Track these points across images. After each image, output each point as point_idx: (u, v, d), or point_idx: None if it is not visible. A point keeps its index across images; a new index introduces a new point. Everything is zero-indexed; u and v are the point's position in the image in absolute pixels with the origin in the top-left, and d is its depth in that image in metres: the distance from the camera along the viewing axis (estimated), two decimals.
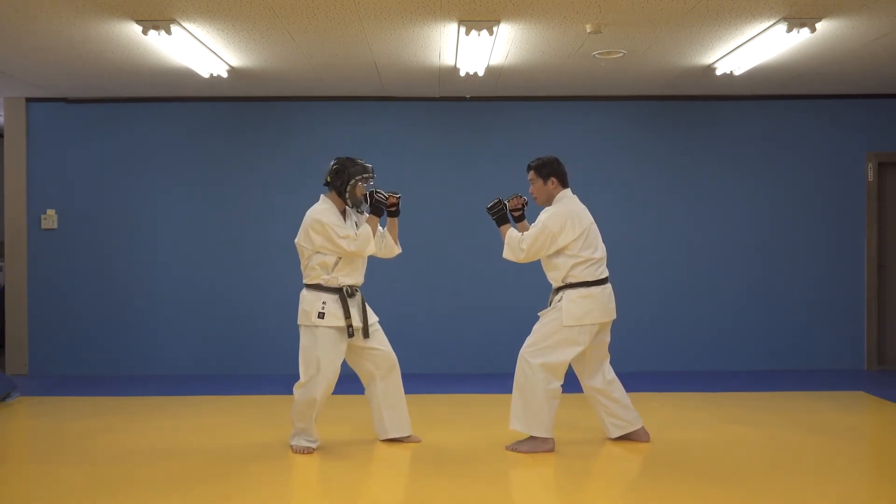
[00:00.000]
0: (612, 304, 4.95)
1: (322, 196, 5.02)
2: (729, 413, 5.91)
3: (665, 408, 6.06)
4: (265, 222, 7.89)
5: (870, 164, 7.91)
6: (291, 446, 4.96)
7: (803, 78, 7.11)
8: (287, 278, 7.87)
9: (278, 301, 7.87)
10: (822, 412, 5.99)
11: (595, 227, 4.96)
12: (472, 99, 7.90)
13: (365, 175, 4.94)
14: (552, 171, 5.00)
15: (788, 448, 5.00)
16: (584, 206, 4.99)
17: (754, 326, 7.91)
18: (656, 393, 6.60)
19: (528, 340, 4.91)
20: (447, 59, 6.43)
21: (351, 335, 4.86)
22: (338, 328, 4.86)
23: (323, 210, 4.91)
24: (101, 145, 7.88)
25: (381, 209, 4.97)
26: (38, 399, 6.65)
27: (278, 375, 7.66)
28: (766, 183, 7.94)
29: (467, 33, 5.47)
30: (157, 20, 5.28)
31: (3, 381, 6.43)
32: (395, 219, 5.10)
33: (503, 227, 5.03)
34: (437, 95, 7.84)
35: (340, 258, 4.86)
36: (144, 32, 5.38)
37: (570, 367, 4.97)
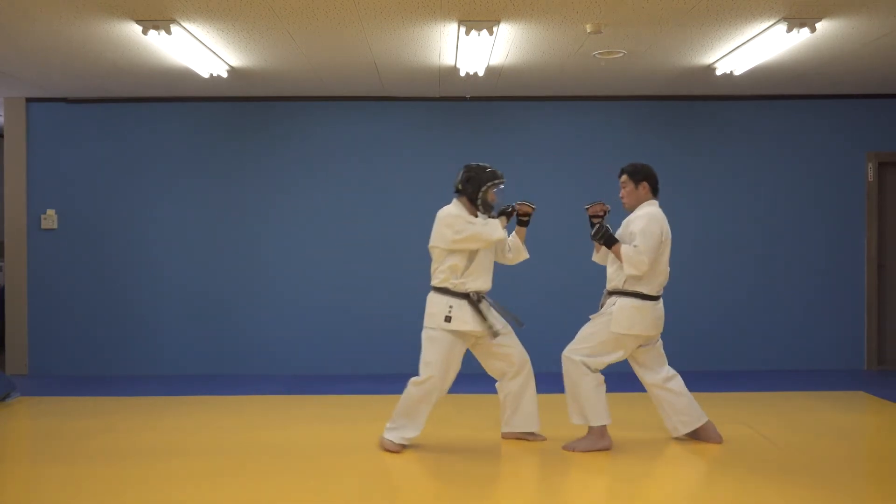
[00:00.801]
0: (661, 321, 4.95)
1: (454, 199, 5.05)
2: (729, 413, 5.90)
3: None
4: (265, 222, 7.89)
5: (870, 164, 7.91)
6: (383, 439, 4.94)
7: (803, 78, 7.11)
8: (287, 278, 7.89)
9: (278, 301, 7.88)
10: (822, 412, 5.99)
11: (669, 247, 4.96)
12: (472, 99, 7.90)
13: (496, 181, 4.98)
14: (645, 176, 5.01)
15: (788, 448, 5.00)
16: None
17: (754, 326, 7.91)
18: None
19: (574, 340, 4.96)
20: (447, 59, 6.43)
21: (495, 335, 4.89)
22: (462, 332, 4.88)
23: (453, 208, 4.98)
24: (101, 145, 7.88)
25: (525, 221, 5.11)
26: (38, 399, 6.65)
27: (278, 375, 7.67)
28: (766, 183, 7.94)
29: (467, 33, 5.47)
30: (157, 20, 5.28)
31: (3, 381, 6.43)
32: (524, 228, 5.17)
33: (615, 247, 4.91)
34: (437, 95, 7.84)
35: (471, 262, 4.88)
36: (144, 32, 5.39)
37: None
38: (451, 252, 4.89)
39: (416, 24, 5.49)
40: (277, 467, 4.65)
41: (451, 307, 4.85)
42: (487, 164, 5.04)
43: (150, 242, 7.87)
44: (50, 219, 7.83)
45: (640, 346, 4.97)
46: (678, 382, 5.05)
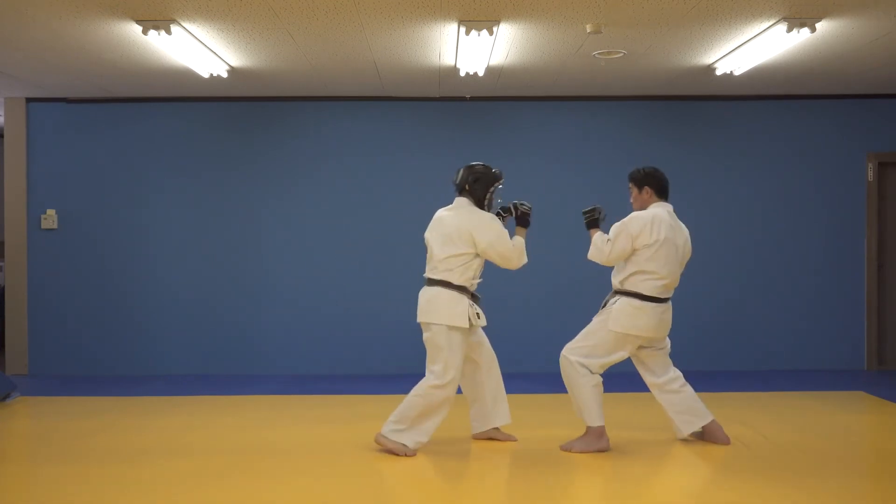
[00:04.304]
0: (665, 324, 4.92)
1: (464, 200, 4.94)
2: (729, 413, 5.90)
3: None
4: (265, 222, 7.89)
5: (870, 164, 7.91)
6: (379, 439, 4.78)
7: (803, 78, 7.11)
8: (287, 278, 7.89)
9: (278, 301, 7.88)
10: (821, 412, 5.99)
11: (675, 248, 4.92)
12: (472, 99, 7.90)
13: (500, 182, 4.98)
14: (646, 180, 5.02)
15: (788, 448, 5.00)
16: (679, 223, 5.01)
17: (754, 326, 7.91)
18: None
19: (574, 339, 4.94)
20: (447, 59, 6.43)
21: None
22: (468, 330, 4.85)
23: (489, 216, 4.91)
24: (101, 145, 7.88)
25: (527, 220, 5.00)
26: (38, 399, 6.65)
27: (278, 375, 7.67)
28: (766, 183, 7.94)
29: (467, 33, 5.48)
30: (157, 20, 5.28)
31: (3, 381, 6.43)
32: (525, 229, 5.09)
33: (592, 230, 5.02)
34: (437, 95, 7.84)
35: (482, 263, 4.89)
36: (144, 32, 5.39)
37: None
38: (477, 255, 4.86)
39: (416, 24, 5.49)
40: (277, 467, 4.65)
41: (469, 305, 4.81)
42: (490, 164, 5.02)
43: (150, 242, 7.87)
44: (50, 219, 7.83)
45: (643, 347, 4.96)
46: (680, 382, 5.04)
